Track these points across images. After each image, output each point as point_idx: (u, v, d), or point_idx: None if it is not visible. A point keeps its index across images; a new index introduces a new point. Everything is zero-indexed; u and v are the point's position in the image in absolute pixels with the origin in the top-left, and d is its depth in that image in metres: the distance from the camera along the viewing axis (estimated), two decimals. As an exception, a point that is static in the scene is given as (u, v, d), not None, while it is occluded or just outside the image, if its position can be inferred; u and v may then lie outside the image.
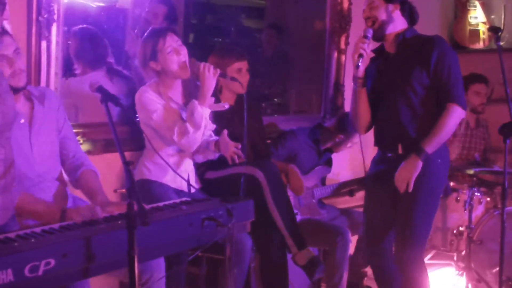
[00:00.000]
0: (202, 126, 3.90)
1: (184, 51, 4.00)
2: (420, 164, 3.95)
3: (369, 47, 4.06)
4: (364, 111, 4.20)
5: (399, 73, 4.06)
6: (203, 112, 3.90)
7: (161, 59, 3.96)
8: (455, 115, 3.98)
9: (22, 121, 3.32)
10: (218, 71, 4.00)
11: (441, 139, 4.00)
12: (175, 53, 3.97)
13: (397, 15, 4.07)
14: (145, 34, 4.07)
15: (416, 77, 4.00)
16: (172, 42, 3.98)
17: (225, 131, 4.04)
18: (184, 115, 4.00)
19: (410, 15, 4.12)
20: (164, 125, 3.92)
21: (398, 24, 4.08)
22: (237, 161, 4.00)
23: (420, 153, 3.95)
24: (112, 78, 4.42)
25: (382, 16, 4.04)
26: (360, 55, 3.99)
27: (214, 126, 4.09)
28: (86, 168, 3.55)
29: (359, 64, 4.00)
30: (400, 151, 4.11)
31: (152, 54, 3.96)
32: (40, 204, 3.21)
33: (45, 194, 3.36)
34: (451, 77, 3.96)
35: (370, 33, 4.04)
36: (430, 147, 3.96)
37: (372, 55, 4.25)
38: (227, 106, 4.12)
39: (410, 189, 3.98)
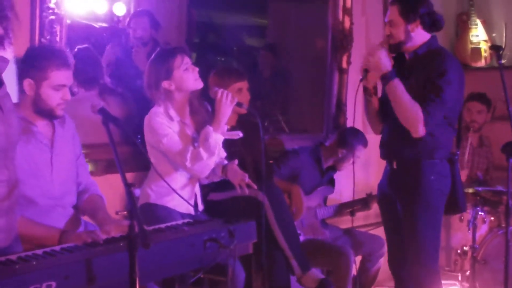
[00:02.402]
0: (216, 152, 3.89)
1: (196, 70, 4.00)
2: (380, 72, 3.99)
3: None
4: (376, 118, 4.28)
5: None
6: (217, 138, 3.89)
7: (176, 77, 3.94)
8: (416, 116, 3.91)
9: (45, 141, 3.35)
10: (236, 99, 4.00)
11: (396, 98, 3.96)
12: (191, 70, 3.97)
13: (417, 31, 4.04)
14: (155, 55, 4.05)
15: (415, 93, 3.99)
16: (188, 60, 3.99)
17: (236, 161, 4.04)
18: (194, 138, 3.99)
19: (432, 25, 4.08)
20: (175, 150, 3.89)
21: (417, 40, 4.07)
22: (246, 191, 3.98)
23: (390, 72, 3.97)
24: (105, 98, 4.41)
25: (401, 36, 4.04)
26: (366, 70, 4.08)
27: (225, 154, 4.09)
28: (93, 193, 3.57)
29: (362, 78, 4.11)
30: (395, 166, 4.15)
31: (166, 73, 3.93)
32: (38, 228, 3.18)
33: (59, 220, 3.35)
34: (435, 95, 3.91)
35: (384, 46, 4.08)
36: (394, 84, 3.95)
37: None
38: (240, 135, 4.12)
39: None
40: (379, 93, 4.26)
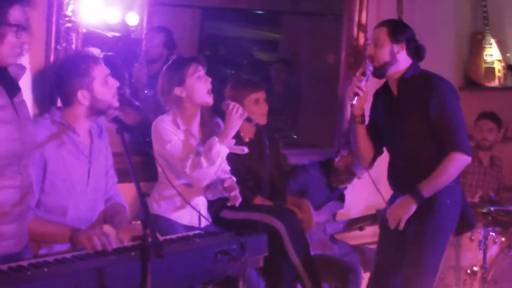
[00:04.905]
0: (217, 163, 3.88)
1: (209, 80, 4.02)
2: (413, 206, 3.93)
3: (367, 83, 4.04)
4: (365, 148, 4.18)
5: (399, 118, 4.03)
6: (221, 150, 3.89)
7: (188, 85, 3.95)
8: (457, 163, 3.92)
9: (86, 152, 3.37)
10: (246, 114, 3.98)
11: (440, 184, 3.94)
12: (204, 80, 3.98)
13: (402, 55, 3.99)
14: (171, 61, 4.10)
15: (416, 124, 3.97)
16: (201, 69, 4.00)
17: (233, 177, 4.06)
18: (200, 149, 3.98)
19: (416, 51, 4.04)
20: (177, 156, 3.90)
21: (401, 64, 4.01)
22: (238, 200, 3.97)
23: (415, 195, 3.91)
24: (124, 109, 4.41)
25: (386, 57, 3.97)
26: (356, 94, 3.99)
27: (229, 168, 4.09)
28: (116, 201, 3.59)
29: (354, 102, 4.01)
30: (401, 194, 4.09)
31: (179, 79, 3.95)
32: (50, 226, 3.19)
33: None
34: (452, 125, 3.91)
35: (369, 70, 4.02)
36: (427, 191, 3.91)
37: (373, 91, 4.25)
38: (246, 151, 4.08)
39: (401, 228, 3.96)
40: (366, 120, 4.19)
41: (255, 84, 4.52)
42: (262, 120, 4.39)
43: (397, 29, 4.01)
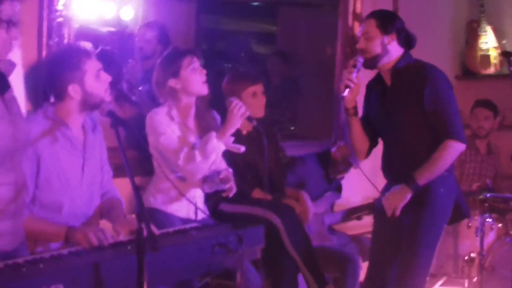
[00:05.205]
0: (211, 158, 3.88)
1: (204, 72, 4.02)
2: (409, 194, 3.93)
3: (359, 75, 4.01)
4: (359, 140, 4.17)
5: (393, 108, 4.03)
6: (218, 146, 3.89)
7: (183, 77, 3.96)
8: (452, 151, 3.93)
9: (79, 147, 3.36)
10: (247, 113, 3.99)
11: (435, 172, 3.94)
12: (199, 72, 3.98)
13: (393, 45, 3.98)
14: (166, 52, 4.10)
15: (410, 114, 3.97)
16: (196, 61, 4.01)
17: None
18: (196, 142, 3.98)
19: (406, 40, 4.03)
20: (171, 148, 3.90)
21: (393, 54, 3.99)
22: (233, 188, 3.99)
23: (410, 183, 3.92)
24: (121, 104, 4.41)
25: (377, 49, 3.96)
26: (347, 86, 3.97)
27: (224, 164, 4.08)
28: (112, 196, 3.58)
29: (345, 95, 3.98)
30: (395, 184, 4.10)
31: (174, 71, 3.96)
32: (45, 225, 3.19)
33: None
34: (446, 113, 3.91)
35: (360, 62, 3.99)
36: (422, 179, 3.91)
37: (366, 82, 4.24)
38: (242, 150, 4.09)
39: (397, 215, 3.97)
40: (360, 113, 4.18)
41: (252, 77, 4.53)
42: (260, 113, 4.39)
43: (386, 20, 4.00)
